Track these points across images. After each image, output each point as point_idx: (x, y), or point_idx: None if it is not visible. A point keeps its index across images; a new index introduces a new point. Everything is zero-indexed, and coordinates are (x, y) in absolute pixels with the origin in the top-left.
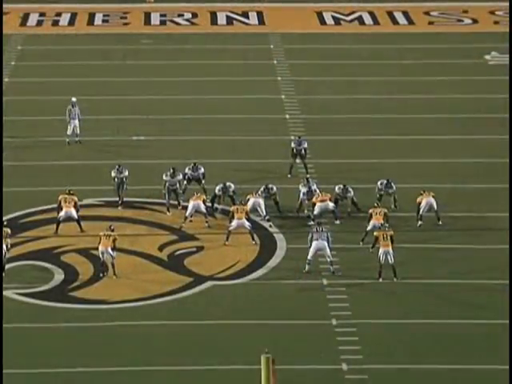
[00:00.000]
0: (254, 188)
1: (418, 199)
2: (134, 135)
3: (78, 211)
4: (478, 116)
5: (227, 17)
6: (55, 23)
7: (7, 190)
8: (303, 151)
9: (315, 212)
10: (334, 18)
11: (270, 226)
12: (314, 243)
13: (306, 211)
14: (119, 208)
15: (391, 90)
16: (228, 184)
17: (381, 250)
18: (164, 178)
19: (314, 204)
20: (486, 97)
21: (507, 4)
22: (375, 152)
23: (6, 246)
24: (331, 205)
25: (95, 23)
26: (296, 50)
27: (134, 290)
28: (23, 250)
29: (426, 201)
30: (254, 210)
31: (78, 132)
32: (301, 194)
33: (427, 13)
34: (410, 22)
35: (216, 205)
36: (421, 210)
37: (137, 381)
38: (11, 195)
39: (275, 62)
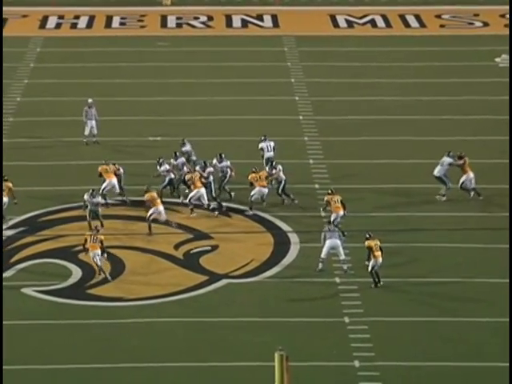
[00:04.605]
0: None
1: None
2: (150, 136)
3: (14, 198)
4: (489, 117)
5: (242, 20)
6: (73, 26)
7: (26, 189)
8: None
9: (254, 197)
10: (347, 20)
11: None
12: (328, 242)
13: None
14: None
15: (403, 92)
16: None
17: (373, 262)
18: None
19: (251, 183)
20: (496, 99)
21: None
22: (388, 153)
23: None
24: (267, 191)
25: (113, 26)
26: (310, 52)
27: (150, 287)
28: (41, 248)
29: (467, 176)
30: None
31: (95, 132)
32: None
33: (439, 16)
34: (422, 24)
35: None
36: (469, 186)
37: (152, 377)
38: (30, 194)
39: (289, 64)
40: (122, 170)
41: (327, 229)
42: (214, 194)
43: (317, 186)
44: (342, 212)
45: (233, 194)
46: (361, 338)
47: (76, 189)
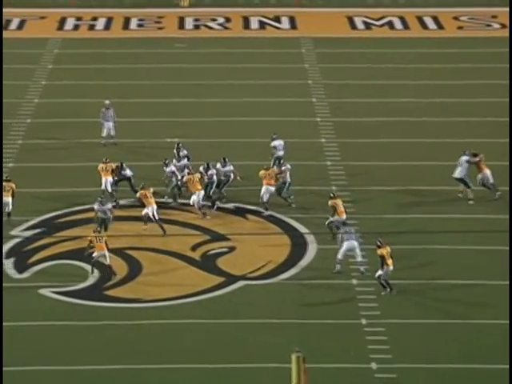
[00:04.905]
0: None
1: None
2: (167, 137)
3: (13, 198)
4: (505, 120)
5: (259, 21)
6: (91, 27)
7: (43, 191)
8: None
9: (265, 197)
10: (364, 22)
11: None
12: (346, 243)
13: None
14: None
15: (421, 94)
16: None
17: (385, 269)
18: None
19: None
20: None
21: None
22: (405, 155)
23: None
24: (273, 189)
25: (130, 28)
26: (327, 54)
27: (167, 289)
28: (59, 249)
29: (483, 174)
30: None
31: (113, 134)
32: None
33: (456, 18)
34: (440, 26)
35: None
36: (488, 183)
37: (169, 378)
38: (47, 196)
39: (306, 65)
40: (129, 172)
41: (343, 230)
42: (210, 193)
43: (334, 187)
44: (345, 216)
45: (224, 195)
46: (378, 340)
47: (93, 190)
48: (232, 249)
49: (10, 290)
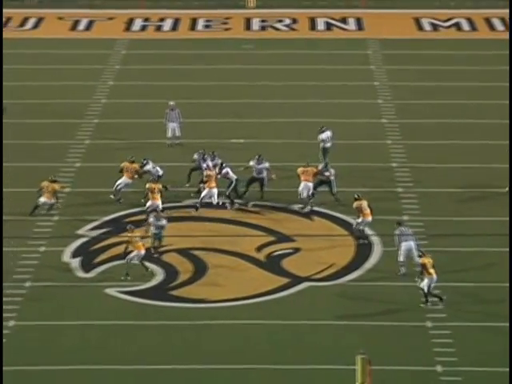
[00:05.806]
0: (353, 191)
1: None
2: (233, 138)
3: (57, 199)
4: None
5: (326, 23)
6: (158, 28)
7: (110, 191)
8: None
9: (304, 194)
10: (431, 24)
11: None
12: (403, 244)
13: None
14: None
15: (487, 96)
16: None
17: (428, 280)
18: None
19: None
20: None
21: None
22: (473, 157)
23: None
24: (311, 185)
25: (197, 29)
26: (393, 55)
27: (232, 289)
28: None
29: None
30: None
31: (178, 134)
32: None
33: None
34: (508, 28)
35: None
36: None
37: (234, 379)
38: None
39: (373, 67)
40: (153, 168)
41: (399, 231)
42: (227, 193)
43: (400, 189)
44: (370, 218)
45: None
46: (443, 343)
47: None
48: (297, 250)
49: (77, 290)
